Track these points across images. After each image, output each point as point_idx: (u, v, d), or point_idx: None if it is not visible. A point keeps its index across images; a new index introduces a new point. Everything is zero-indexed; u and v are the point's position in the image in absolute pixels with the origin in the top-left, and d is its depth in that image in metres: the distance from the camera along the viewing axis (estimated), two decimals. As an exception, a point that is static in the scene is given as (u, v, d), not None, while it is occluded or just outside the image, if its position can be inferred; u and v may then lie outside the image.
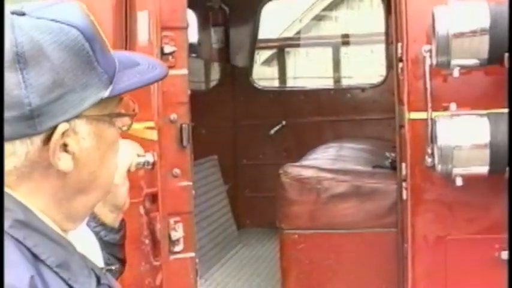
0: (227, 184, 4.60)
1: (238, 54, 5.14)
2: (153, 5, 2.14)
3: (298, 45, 7.52)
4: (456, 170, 2.55)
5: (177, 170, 2.24)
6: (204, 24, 5.07)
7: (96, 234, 1.75)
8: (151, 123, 2.16)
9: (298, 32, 8.60)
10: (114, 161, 1.27)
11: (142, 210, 2.23)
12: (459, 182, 2.56)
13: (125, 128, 1.30)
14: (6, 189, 1.15)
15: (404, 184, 2.85)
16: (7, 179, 1.14)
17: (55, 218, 1.21)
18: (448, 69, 2.59)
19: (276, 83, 6.23)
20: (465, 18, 2.49)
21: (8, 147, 1.13)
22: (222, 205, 4.45)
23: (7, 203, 1.14)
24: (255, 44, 5.21)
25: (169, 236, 2.21)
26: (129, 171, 1.85)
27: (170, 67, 2.20)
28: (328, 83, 6.12)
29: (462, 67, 2.53)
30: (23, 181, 1.16)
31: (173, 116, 2.22)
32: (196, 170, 4.07)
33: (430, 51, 2.66)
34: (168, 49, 2.17)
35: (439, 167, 2.59)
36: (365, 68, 6.70)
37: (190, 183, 2.28)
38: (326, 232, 3.07)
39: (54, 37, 1.14)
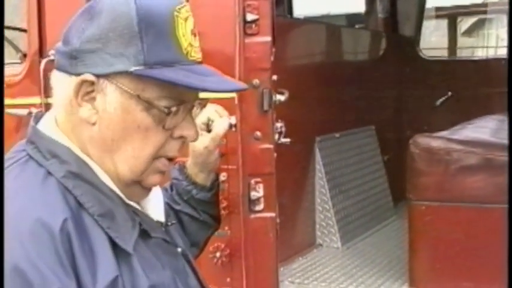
0: (386, 155, 4.56)
1: (405, 23, 5.05)
2: (235, -25, 2.26)
3: (469, 14, 7.14)
4: None
5: (258, 133, 2.33)
6: (370, -6, 5.04)
7: (188, 192, 1.92)
8: (233, 93, 2.28)
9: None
10: (143, 147, 1.35)
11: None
12: None
13: (182, 138, 1.39)
14: (65, 141, 1.36)
15: (531, 158, 2.68)
16: (60, 116, 1.38)
17: (109, 172, 1.37)
18: None
19: (444, 53, 5.98)
20: None
21: (57, 76, 1.36)
22: (377, 176, 4.42)
23: (64, 156, 1.33)
24: (422, 13, 5.08)
25: (249, 196, 2.33)
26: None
27: (253, 34, 2.30)
28: (501, 53, 5.77)
29: None
30: (70, 122, 1.36)
31: (255, 82, 2.31)
32: (350, 139, 4.12)
33: None
34: (250, 17, 2.28)
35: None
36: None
37: (272, 145, 2.35)
38: (454, 205, 2.96)
39: (115, 4, 1.32)
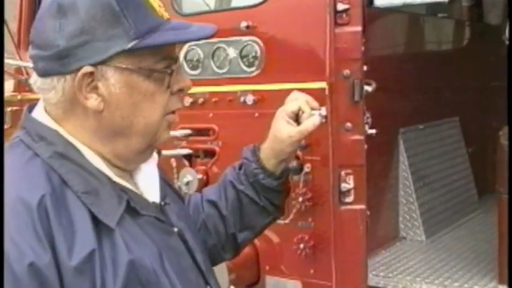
0: (471, 147, 4.45)
1: (491, 11, 4.88)
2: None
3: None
4: None
5: (349, 124, 2.30)
6: (454, -18, 4.90)
7: (255, 175, 1.90)
8: (323, 84, 2.26)
9: None
10: (153, 112, 1.45)
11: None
12: None
13: (181, 91, 1.49)
14: (54, 125, 1.43)
15: None
16: (56, 112, 1.43)
17: (104, 155, 1.45)
18: None
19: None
20: None
21: (49, 81, 1.40)
22: (462, 168, 4.32)
23: (51, 138, 1.41)
24: (510, 0, 4.90)
25: (340, 188, 2.30)
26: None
27: (344, 24, 2.27)
28: None
29: None
30: (69, 117, 1.43)
31: (346, 72, 2.28)
32: (435, 131, 4.03)
33: None
34: (341, 7, 2.25)
35: None
36: None
37: (362, 137, 2.32)
38: (546, 199, 2.85)
39: None
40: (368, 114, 2.47)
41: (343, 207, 2.34)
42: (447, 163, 4.13)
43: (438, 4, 5.20)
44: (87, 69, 1.37)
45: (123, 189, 1.45)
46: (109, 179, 1.43)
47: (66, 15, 1.36)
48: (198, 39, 1.52)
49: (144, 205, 1.49)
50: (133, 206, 1.43)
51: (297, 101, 1.91)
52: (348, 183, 2.32)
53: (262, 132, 1.92)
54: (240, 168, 1.93)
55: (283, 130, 1.88)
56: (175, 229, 1.57)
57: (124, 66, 1.39)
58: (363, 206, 2.34)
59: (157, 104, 1.45)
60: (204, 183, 3.01)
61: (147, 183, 1.57)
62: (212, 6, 4.10)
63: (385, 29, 3.81)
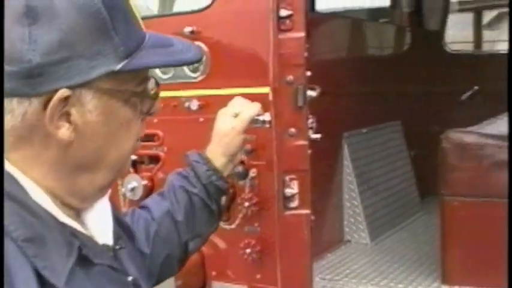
0: (413, 151, 4.53)
1: (430, 17, 5.00)
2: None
3: (494, 7, 7.06)
4: None
5: (292, 130, 2.32)
6: (394, -12, 5.00)
7: (208, 177, 1.84)
8: (266, 89, 2.27)
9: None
10: (127, 142, 1.22)
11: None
12: None
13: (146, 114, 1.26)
14: None
15: None
16: (5, 140, 1.10)
17: (55, 192, 1.17)
18: None
19: (469, 47, 5.92)
20: None
21: (6, 103, 1.08)
22: (404, 171, 4.39)
23: None
24: (447, 7, 5.04)
25: (284, 193, 2.32)
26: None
27: (287, 30, 2.29)
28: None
29: None
30: (22, 146, 1.12)
31: (289, 78, 2.30)
32: (377, 135, 4.09)
33: None
34: (284, 13, 2.26)
35: None
36: None
37: (306, 142, 2.34)
38: (487, 200, 2.92)
39: None
40: (313, 119, 2.49)
41: (287, 212, 2.35)
42: (390, 166, 4.20)
43: (379, 10, 5.30)
44: (65, 92, 1.08)
45: (73, 233, 1.17)
46: (56, 220, 1.15)
47: (38, 21, 1.05)
48: (191, 63, 1.34)
49: (97, 251, 1.21)
50: (85, 253, 1.15)
51: (241, 106, 1.91)
52: (292, 189, 2.33)
53: (208, 138, 1.92)
54: (188, 173, 1.86)
55: (225, 124, 1.89)
56: (130, 278, 1.31)
57: (106, 89, 1.13)
58: (307, 211, 2.35)
59: (131, 132, 1.22)
60: (149, 189, 2.98)
61: (98, 221, 1.29)
62: (155, 11, 4.07)
63: (328, 34, 3.85)
